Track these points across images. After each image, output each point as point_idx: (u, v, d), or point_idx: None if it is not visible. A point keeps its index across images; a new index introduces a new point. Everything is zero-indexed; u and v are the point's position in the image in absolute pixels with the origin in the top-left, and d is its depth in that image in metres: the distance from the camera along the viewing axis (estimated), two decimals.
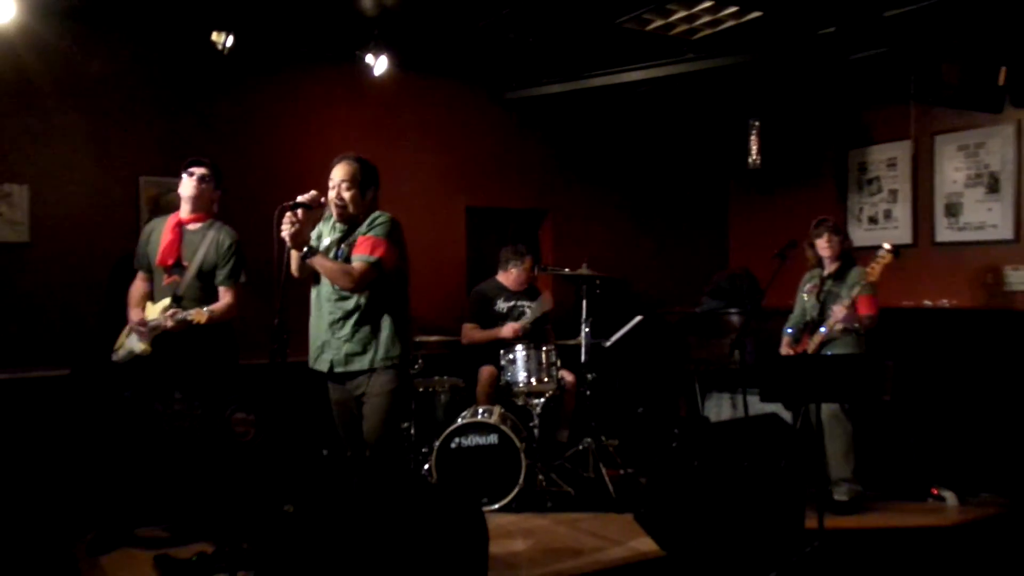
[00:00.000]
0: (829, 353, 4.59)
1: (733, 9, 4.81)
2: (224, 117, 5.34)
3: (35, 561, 3.80)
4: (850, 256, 4.81)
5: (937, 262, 5.89)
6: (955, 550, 4.35)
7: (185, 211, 3.99)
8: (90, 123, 4.96)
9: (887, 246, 4.45)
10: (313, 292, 3.61)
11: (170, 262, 3.91)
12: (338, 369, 3.52)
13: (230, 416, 3.99)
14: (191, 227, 3.98)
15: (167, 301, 3.86)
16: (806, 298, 4.87)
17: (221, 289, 3.92)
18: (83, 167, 4.94)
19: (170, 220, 4.02)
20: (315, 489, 3.75)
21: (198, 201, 3.97)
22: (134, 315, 3.94)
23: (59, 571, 3.76)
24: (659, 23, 5.03)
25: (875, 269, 4.44)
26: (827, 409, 4.57)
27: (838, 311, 4.51)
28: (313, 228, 3.60)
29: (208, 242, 3.91)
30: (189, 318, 3.72)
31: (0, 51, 4.62)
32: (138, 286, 4.06)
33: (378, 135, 5.80)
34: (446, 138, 6.16)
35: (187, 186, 3.97)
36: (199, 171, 3.96)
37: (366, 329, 3.48)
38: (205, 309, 3.75)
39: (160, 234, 3.99)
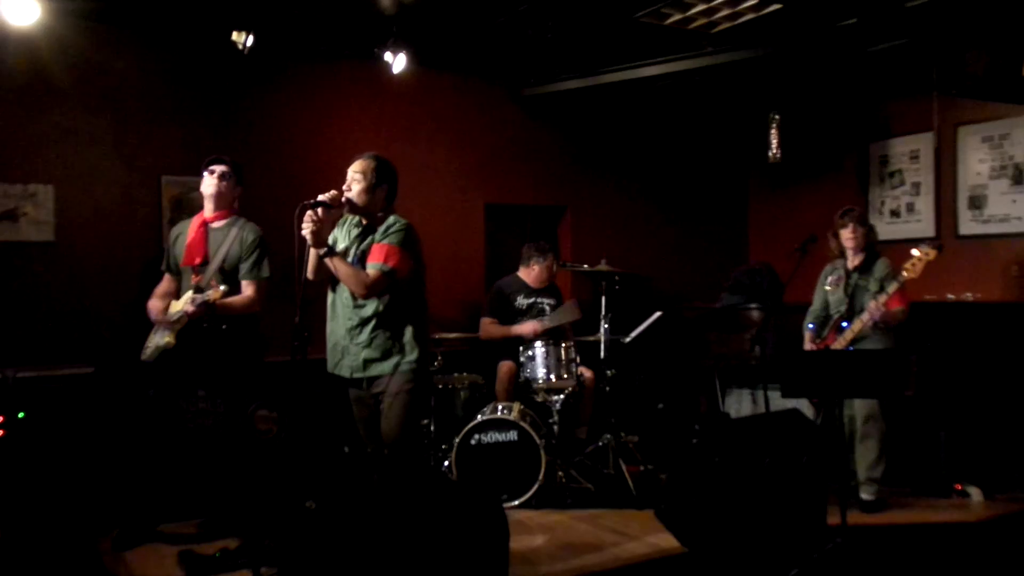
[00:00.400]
0: (851, 349, 4.54)
1: (752, 2, 4.78)
2: (244, 116, 5.38)
3: (61, 557, 3.85)
4: (874, 248, 4.74)
5: (961, 255, 5.81)
6: (979, 546, 4.30)
7: (208, 209, 4.03)
8: (113, 123, 5.02)
9: (929, 243, 4.36)
10: (330, 298, 3.62)
11: (197, 261, 3.95)
12: (357, 375, 3.54)
13: (253, 413, 4.02)
14: (215, 225, 4.02)
15: (190, 293, 3.90)
16: (829, 290, 4.81)
17: (244, 283, 3.94)
18: (106, 167, 5.00)
19: (195, 220, 4.06)
20: (337, 486, 3.77)
21: (220, 199, 4.00)
22: (152, 305, 3.96)
23: (85, 567, 3.81)
24: (677, 17, 5.01)
25: (916, 267, 4.31)
26: (864, 408, 4.52)
27: (873, 308, 4.41)
28: (333, 227, 3.61)
29: (232, 238, 3.94)
30: (208, 299, 3.74)
31: (24, 53, 4.68)
32: (162, 286, 4.10)
33: (397, 132, 5.82)
34: (464, 135, 6.16)
35: (208, 184, 4.00)
36: (219, 168, 4.00)
37: (384, 335, 3.49)
38: (221, 287, 3.76)
39: (186, 235, 4.03)
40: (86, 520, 4.11)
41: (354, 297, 3.50)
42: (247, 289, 3.94)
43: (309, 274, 3.50)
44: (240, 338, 3.92)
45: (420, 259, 3.61)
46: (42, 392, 4.31)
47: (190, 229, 4.03)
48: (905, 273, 4.35)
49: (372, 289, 3.43)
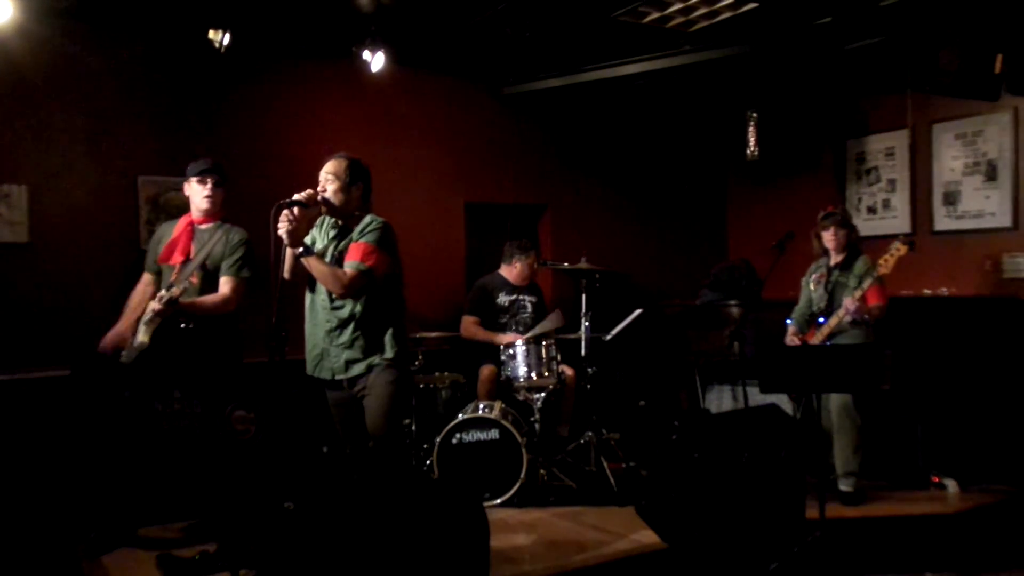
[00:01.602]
0: (828, 344, 4.58)
1: (729, 0, 4.80)
2: (221, 115, 5.34)
3: (38, 562, 3.81)
4: (855, 245, 4.79)
5: (936, 251, 5.88)
6: (956, 537, 4.36)
7: (196, 214, 4.00)
8: (88, 122, 4.96)
9: (901, 239, 4.42)
10: (308, 299, 3.61)
11: (179, 259, 3.91)
12: (339, 377, 3.54)
13: (230, 414, 3.99)
14: (203, 226, 4.00)
15: (162, 291, 3.85)
16: (812, 288, 4.86)
17: (222, 280, 3.90)
18: (81, 167, 4.94)
19: (181, 220, 4.03)
20: (315, 486, 3.76)
21: (212, 207, 3.99)
22: (123, 321, 3.92)
23: (62, 572, 3.77)
24: (655, 15, 5.03)
25: (888, 262, 4.38)
26: (838, 402, 4.57)
27: (849, 303, 4.46)
28: (310, 227, 3.60)
29: (217, 239, 3.90)
30: (171, 295, 3.69)
31: None
32: (139, 290, 4.06)
33: (375, 131, 5.80)
34: (444, 134, 6.15)
35: (199, 194, 3.96)
36: (212, 179, 3.95)
37: (364, 335, 3.50)
38: (183, 284, 3.72)
39: (170, 235, 4.00)
40: (64, 525, 4.07)
41: (331, 298, 3.50)
42: (224, 286, 3.89)
43: (285, 274, 3.48)
44: (218, 338, 3.89)
45: (397, 258, 3.60)
46: (17, 395, 4.26)
47: (175, 228, 4.01)
48: (879, 269, 4.42)
49: (350, 288, 3.42)
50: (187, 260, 3.90)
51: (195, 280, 3.89)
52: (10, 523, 3.93)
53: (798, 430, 4.14)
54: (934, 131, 5.98)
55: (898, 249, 4.38)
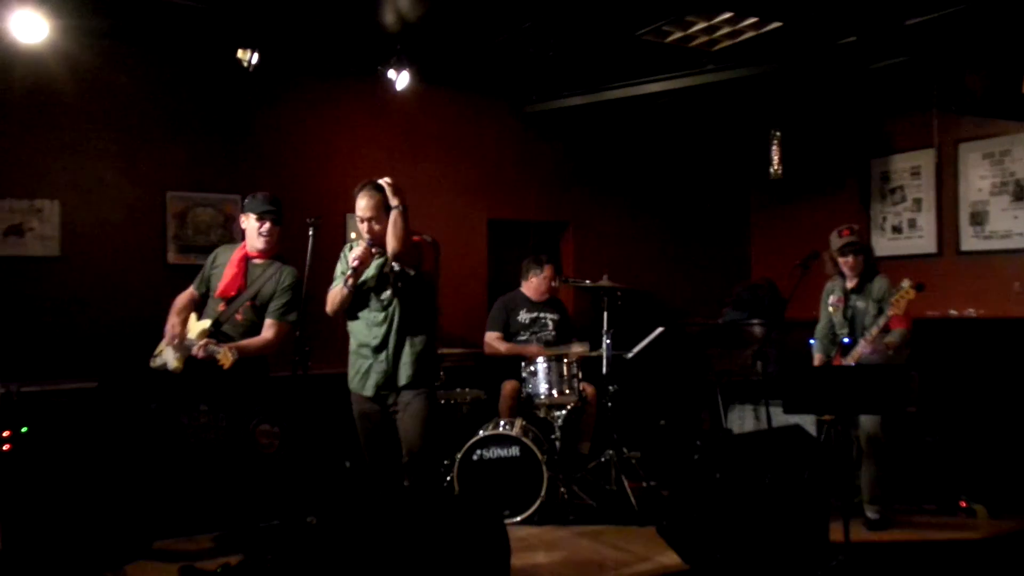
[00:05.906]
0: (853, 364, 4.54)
1: (753, 20, 4.81)
2: (249, 133, 5.42)
3: (64, 572, 3.84)
4: (872, 266, 4.76)
5: (962, 271, 5.82)
6: (984, 564, 4.28)
7: (252, 249, 4.06)
8: (119, 139, 5.06)
9: (908, 282, 4.38)
10: (350, 325, 3.75)
11: (232, 294, 3.98)
12: (383, 391, 3.67)
13: (254, 428, 4.03)
14: (256, 261, 4.06)
15: (207, 324, 3.91)
16: (832, 311, 4.82)
17: (267, 322, 3.95)
18: (112, 182, 5.04)
19: (237, 252, 4.08)
20: (338, 501, 3.78)
21: (268, 247, 4.05)
22: (171, 326, 3.96)
23: None
24: (678, 35, 5.04)
25: (899, 304, 4.36)
26: (868, 427, 4.52)
27: (863, 346, 4.46)
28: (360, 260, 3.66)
29: (269, 276, 3.96)
30: (217, 356, 3.74)
31: (32, 69, 4.73)
32: (184, 297, 4.11)
33: (400, 149, 5.86)
34: (467, 151, 6.19)
35: (254, 231, 4.00)
36: (270, 219, 3.99)
37: (406, 349, 3.66)
38: (233, 350, 3.76)
39: (226, 264, 4.05)
40: (88, 535, 4.10)
41: (374, 318, 3.66)
42: (268, 330, 3.95)
43: (332, 308, 3.69)
44: (247, 362, 3.93)
45: (437, 271, 3.80)
46: (46, 406, 4.31)
47: (231, 260, 4.05)
48: (891, 310, 4.39)
49: (408, 241, 3.59)
50: (238, 295, 3.96)
51: (240, 317, 3.95)
52: (37, 532, 3.96)
53: (822, 452, 4.09)
54: (960, 150, 5.93)
55: (907, 292, 4.35)
